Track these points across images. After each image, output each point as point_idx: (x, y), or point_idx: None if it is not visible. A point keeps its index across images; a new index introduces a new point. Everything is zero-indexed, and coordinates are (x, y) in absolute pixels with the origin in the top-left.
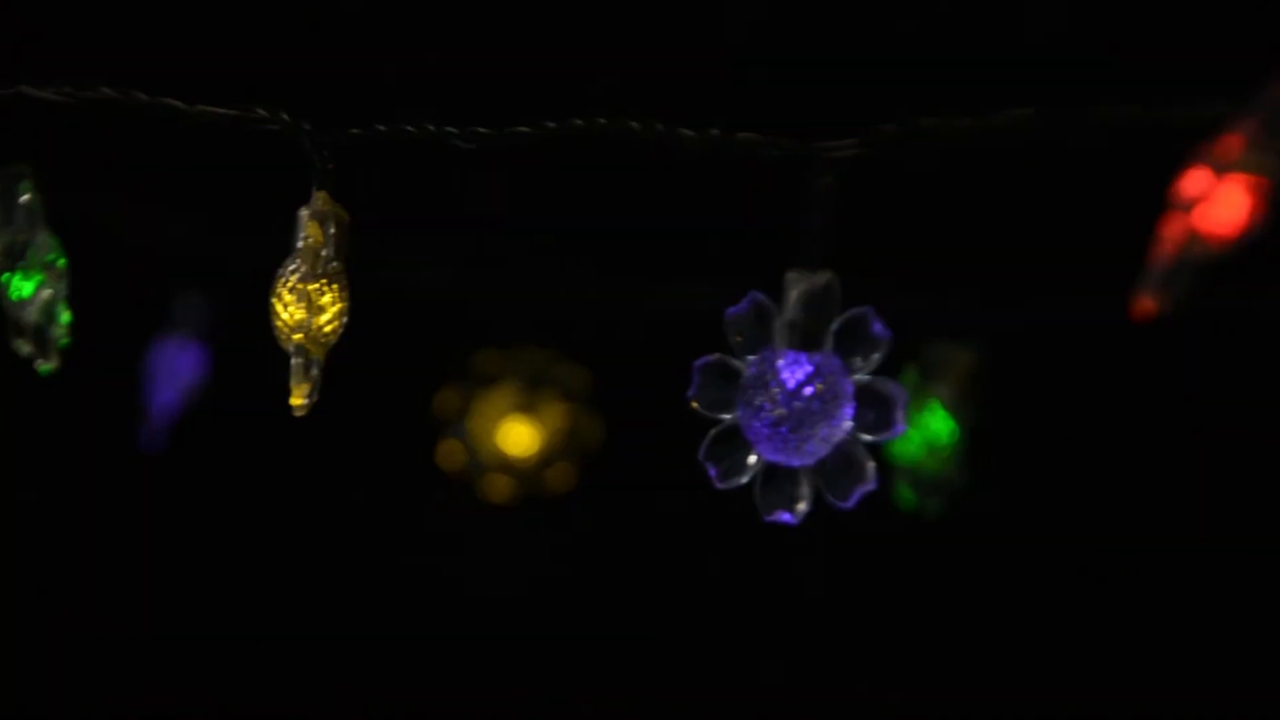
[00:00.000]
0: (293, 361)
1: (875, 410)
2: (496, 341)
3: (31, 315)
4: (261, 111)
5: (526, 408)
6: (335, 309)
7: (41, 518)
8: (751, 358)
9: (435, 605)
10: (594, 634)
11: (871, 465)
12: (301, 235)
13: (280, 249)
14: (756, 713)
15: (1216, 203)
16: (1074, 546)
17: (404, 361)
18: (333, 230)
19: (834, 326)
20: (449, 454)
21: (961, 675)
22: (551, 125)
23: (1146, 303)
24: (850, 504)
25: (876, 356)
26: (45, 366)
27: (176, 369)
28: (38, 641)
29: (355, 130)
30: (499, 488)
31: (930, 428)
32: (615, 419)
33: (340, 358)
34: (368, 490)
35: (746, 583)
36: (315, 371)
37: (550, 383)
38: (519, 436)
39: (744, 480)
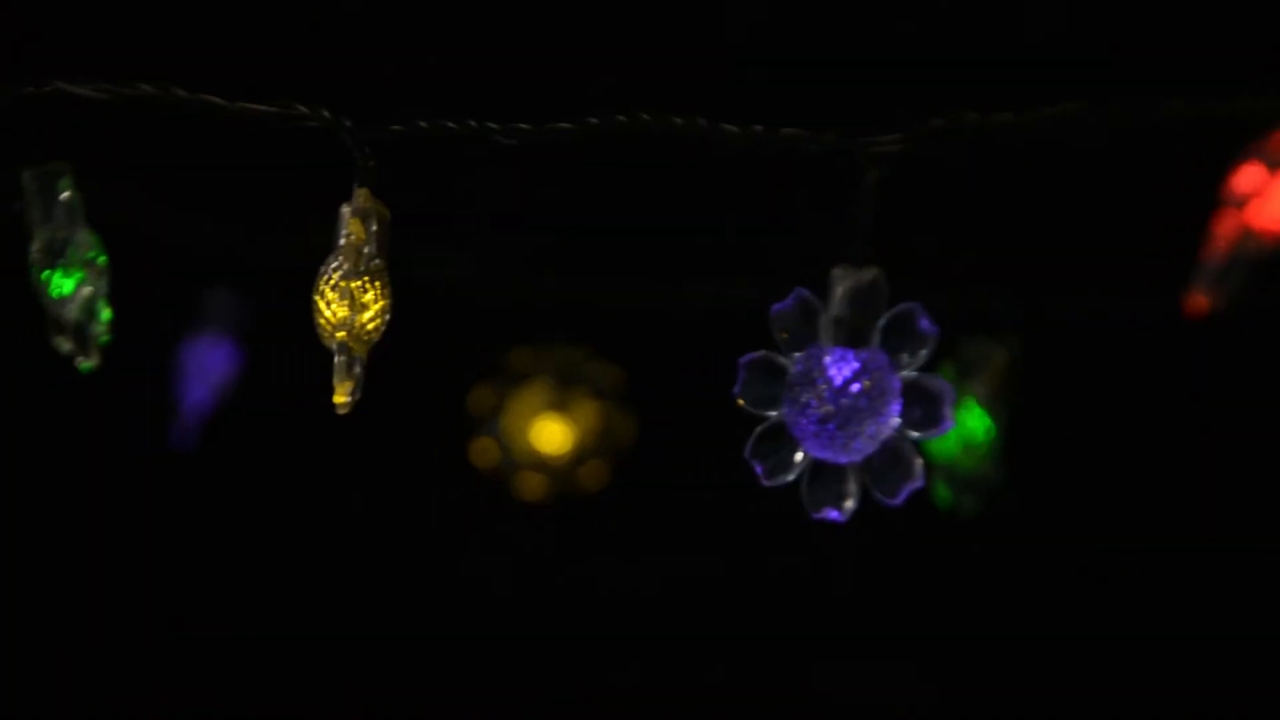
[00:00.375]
0: (336, 359)
1: (923, 407)
2: (530, 339)
3: (72, 313)
4: (302, 108)
5: (560, 406)
6: (377, 306)
7: (72, 515)
8: (798, 354)
9: (467, 603)
10: (629, 634)
11: (920, 462)
12: (344, 232)
13: (310, 247)
14: (787, 711)
15: (1270, 199)
16: (1109, 545)
17: (437, 359)
18: (374, 227)
19: (881, 323)
20: (483, 452)
21: (998, 674)
22: (594, 121)
23: (1200, 299)
24: (898, 501)
25: (924, 353)
26: (86, 364)
27: (208, 366)
28: (65, 638)
29: (397, 127)
30: (532, 486)
31: (966, 425)
32: (648, 417)
33: (373, 355)
34: (401, 488)
35: (779, 581)
36: (358, 369)
37: (583, 380)
38: (552, 434)
39: (790, 478)
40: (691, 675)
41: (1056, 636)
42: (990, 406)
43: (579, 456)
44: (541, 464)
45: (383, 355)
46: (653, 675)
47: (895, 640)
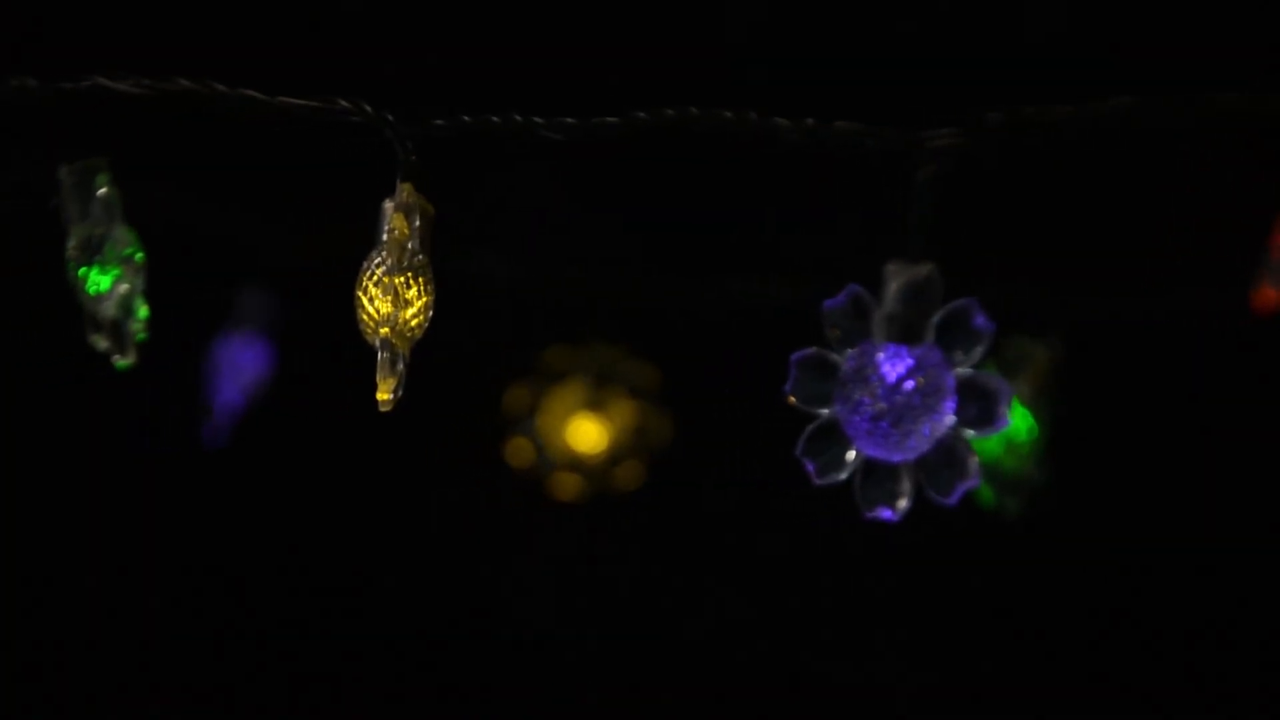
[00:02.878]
0: (379, 356)
1: (978, 404)
2: (566, 338)
3: (109, 310)
4: (344, 103)
5: (595, 405)
6: (421, 303)
7: (105, 512)
8: (850, 351)
9: (500, 603)
10: (664, 633)
11: (974, 461)
12: (387, 228)
13: (346, 245)
14: (822, 708)
15: None
16: (1152, 546)
17: (472, 357)
18: (418, 223)
19: (935, 319)
20: (518, 451)
21: (1038, 673)
22: (641, 115)
23: (1269, 294)
24: (953, 500)
25: (979, 350)
26: (122, 362)
27: (240, 365)
28: (95, 637)
29: (439, 121)
30: (568, 485)
31: (1010, 425)
32: (684, 416)
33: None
34: (436, 488)
35: (816, 579)
36: (401, 366)
37: (619, 379)
38: (588, 434)
39: (842, 476)
40: (727, 673)
41: (1097, 637)
42: (1033, 406)
43: (614, 456)
44: (577, 463)
45: (417, 353)
46: (687, 674)
47: (933, 640)
